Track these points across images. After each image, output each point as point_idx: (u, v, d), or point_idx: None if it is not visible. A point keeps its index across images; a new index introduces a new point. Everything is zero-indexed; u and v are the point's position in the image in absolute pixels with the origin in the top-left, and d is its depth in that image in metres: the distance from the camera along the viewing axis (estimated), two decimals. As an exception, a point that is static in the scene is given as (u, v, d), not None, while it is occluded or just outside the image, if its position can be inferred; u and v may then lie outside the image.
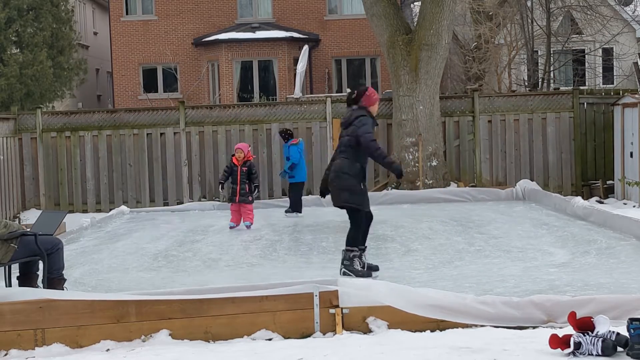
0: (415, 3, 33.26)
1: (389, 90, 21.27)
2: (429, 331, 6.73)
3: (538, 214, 13.93)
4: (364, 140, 8.65)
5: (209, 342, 6.77)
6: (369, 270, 8.82)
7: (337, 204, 8.96)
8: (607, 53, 29.11)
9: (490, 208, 15.04)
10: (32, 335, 6.74)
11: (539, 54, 27.24)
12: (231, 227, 13.29)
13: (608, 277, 8.34)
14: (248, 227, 13.20)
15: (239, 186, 13.10)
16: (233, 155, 13.45)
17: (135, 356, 6.42)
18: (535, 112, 18.36)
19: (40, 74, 24.37)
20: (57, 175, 18.40)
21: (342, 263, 8.77)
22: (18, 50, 25.31)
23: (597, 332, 5.92)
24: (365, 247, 8.96)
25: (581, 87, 22.07)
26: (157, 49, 29.52)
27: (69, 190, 18.43)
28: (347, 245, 8.78)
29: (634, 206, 15.74)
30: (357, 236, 8.83)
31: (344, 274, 8.62)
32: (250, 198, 13.23)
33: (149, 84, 29.98)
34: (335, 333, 6.77)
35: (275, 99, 27.29)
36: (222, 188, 14.10)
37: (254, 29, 28.61)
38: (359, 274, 8.58)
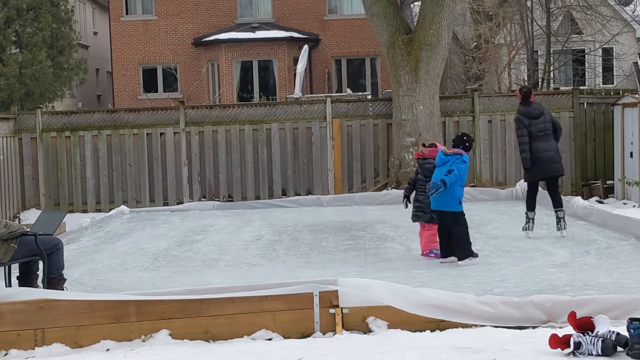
0: (415, 3, 33.25)
1: (388, 90, 21.27)
2: (429, 331, 6.73)
3: (538, 214, 13.88)
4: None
5: (209, 342, 6.77)
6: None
7: (559, 173, 11.58)
8: (607, 53, 29.09)
9: (490, 208, 15.04)
10: (32, 335, 6.74)
11: (539, 54, 27.23)
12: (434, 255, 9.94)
13: (608, 277, 8.35)
14: (435, 255, 9.89)
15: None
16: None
17: (135, 356, 6.42)
18: (535, 112, 18.33)
19: (40, 74, 24.35)
20: (57, 175, 18.39)
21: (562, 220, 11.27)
22: (17, 50, 25.29)
23: (597, 332, 5.92)
24: None
25: (581, 87, 22.04)
26: (157, 49, 29.50)
27: (69, 190, 18.42)
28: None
29: (634, 206, 15.73)
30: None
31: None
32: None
33: (149, 84, 29.97)
34: (335, 333, 6.77)
35: (275, 99, 27.28)
36: (407, 205, 10.39)
37: (254, 29, 28.60)
38: None
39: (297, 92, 22.12)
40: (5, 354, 6.69)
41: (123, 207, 16.46)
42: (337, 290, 6.87)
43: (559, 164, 11.41)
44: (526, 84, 26.23)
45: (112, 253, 11.31)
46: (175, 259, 10.72)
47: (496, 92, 23.58)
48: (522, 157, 11.32)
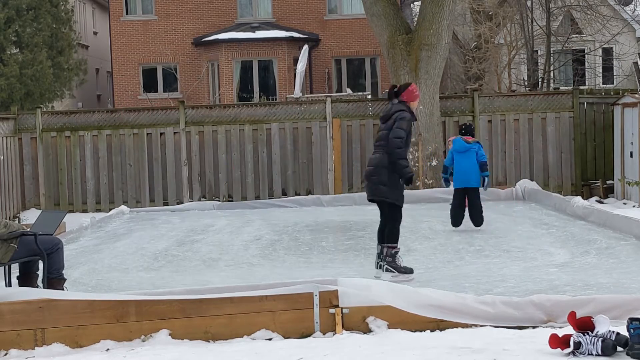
0: (415, 3, 33.26)
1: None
2: (429, 331, 6.73)
3: (538, 214, 13.93)
4: (391, 143, 8.49)
5: (208, 342, 6.77)
6: (409, 268, 8.72)
7: (374, 197, 8.69)
8: (607, 53, 29.10)
9: (490, 208, 15.00)
10: (32, 335, 6.74)
11: (539, 53, 27.24)
12: None
13: (608, 277, 8.34)
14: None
15: None
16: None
17: (135, 356, 6.42)
18: (535, 112, 18.36)
19: (39, 74, 24.35)
20: (57, 175, 18.40)
21: (384, 260, 8.60)
22: (17, 50, 25.29)
23: (597, 332, 5.92)
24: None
25: (581, 87, 22.05)
26: (157, 49, 29.52)
27: (69, 190, 18.43)
28: (388, 242, 8.63)
29: (634, 206, 15.73)
30: (397, 232, 8.73)
31: (387, 270, 8.52)
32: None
33: (149, 84, 29.98)
34: (335, 333, 6.77)
35: (275, 98, 27.29)
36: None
37: (253, 29, 28.61)
38: (402, 271, 8.57)
39: (297, 92, 22.13)
40: (5, 354, 6.69)
41: (123, 207, 16.46)
42: (337, 290, 6.87)
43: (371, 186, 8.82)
44: (526, 83, 26.25)
45: (112, 253, 11.31)
46: (175, 259, 10.71)
47: (496, 92, 23.60)
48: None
